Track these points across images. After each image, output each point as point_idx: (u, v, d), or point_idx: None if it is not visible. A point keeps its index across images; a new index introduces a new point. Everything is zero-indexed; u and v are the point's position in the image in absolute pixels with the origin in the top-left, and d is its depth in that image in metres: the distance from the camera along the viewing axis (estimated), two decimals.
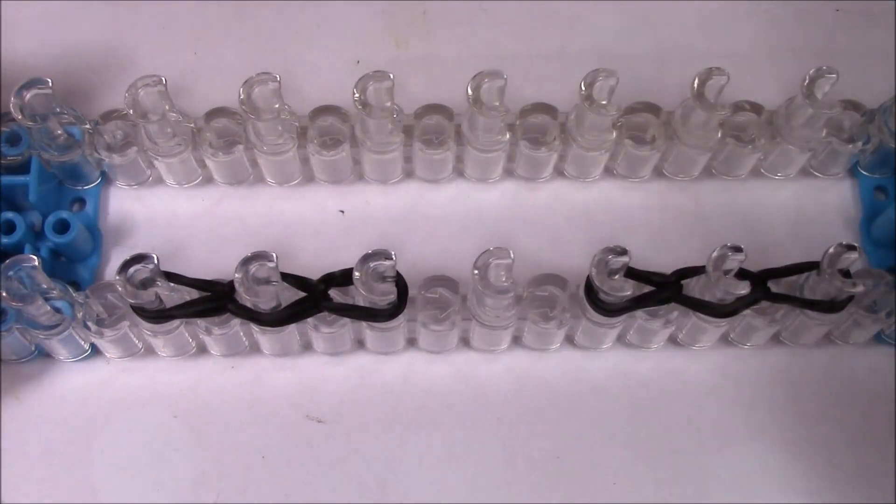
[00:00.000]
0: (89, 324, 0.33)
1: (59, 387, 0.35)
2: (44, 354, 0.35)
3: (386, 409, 0.35)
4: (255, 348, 0.35)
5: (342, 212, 0.37)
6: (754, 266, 0.32)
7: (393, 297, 0.31)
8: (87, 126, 0.35)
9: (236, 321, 0.33)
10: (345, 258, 0.36)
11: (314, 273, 0.33)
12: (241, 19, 0.41)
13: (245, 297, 0.31)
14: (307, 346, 0.36)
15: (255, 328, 0.33)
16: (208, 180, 0.38)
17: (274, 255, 0.31)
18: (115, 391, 0.35)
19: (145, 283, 0.31)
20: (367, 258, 0.31)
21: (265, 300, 0.31)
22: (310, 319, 0.33)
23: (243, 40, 0.41)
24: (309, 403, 0.35)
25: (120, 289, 0.31)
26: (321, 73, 0.40)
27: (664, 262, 0.34)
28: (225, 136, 0.36)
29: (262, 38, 0.41)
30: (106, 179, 0.38)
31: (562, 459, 0.34)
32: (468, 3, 0.41)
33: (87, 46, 0.41)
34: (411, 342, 0.36)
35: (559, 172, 0.38)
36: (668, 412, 0.35)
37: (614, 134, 0.35)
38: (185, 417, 0.35)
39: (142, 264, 0.31)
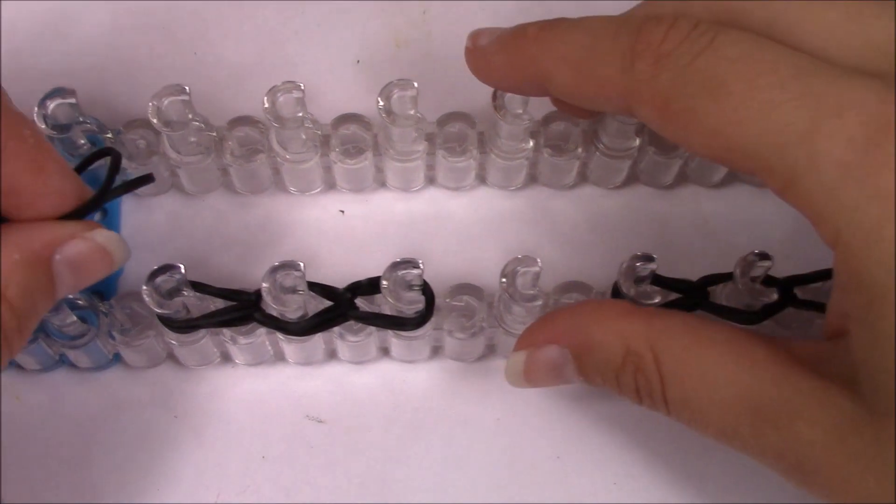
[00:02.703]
0: (114, 333, 0.33)
1: (59, 387, 0.35)
2: (67, 364, 0.35)
3: (386, 409, 0.35)
4: (279, 357, 0.35)
5: (342, 211, 0.37)
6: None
7: (420, 305, 0.31)
8: (109, 135, 0.35)
9: (262, 330, 0.33)
10: (367, 266, 0.36)
11: (336, 281, 0.33)
12: (241, 19, 0.41)
13: (272, 307, 0.31)
14: (331, 355, 0.36)
15: (280, 337, 0.33)
16: (229, 188, 0.38)
17: (301, 263, 0.31)
18: (115, 391, 0.35)
19: (172, 293, 0.31)
20: (395, 266, 0.31)
21: (292, 309, 0.31)
22: (336, 328, 0.33)
23: (243, 40, 0.40)
24: (309, 403, 0.35)
25: (147, 299, 0.31)
26: (321, 73, 0.40)
27: (685, 270, 0.33)
28: (246, 144, 0.36)
29: (262, 38, 0.41)
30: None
31: (562, 459, 0.34)
32: (468, 3, 0.41)
33: (87, 46, 0.40)
34: (435, 351, 0.36)
35: (583, 179, 0.38)
36: None
37: (637, 141, 0.35)
38: (185, 417, 0.35)
39: (168, 274, 0.31)
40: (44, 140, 0.25)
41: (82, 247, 0.26)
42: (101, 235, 0.26)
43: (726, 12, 0.28)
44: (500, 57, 0.30)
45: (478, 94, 0.38)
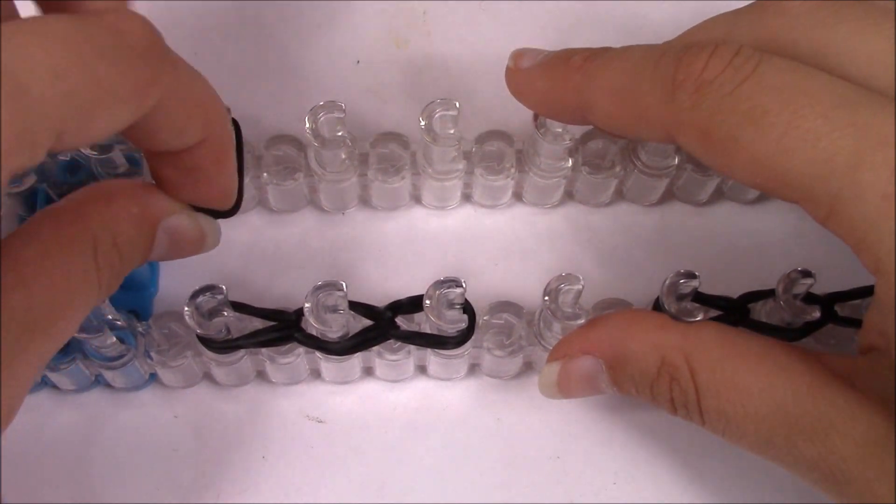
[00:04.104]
0: (152, 353, 0.33)
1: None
2: (103, 384, 0.35)
3: (386, 409, 0.35)
4: (315, 375, 0.35)
5: (343, 213, 0.37)
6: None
7: (462, 324, 0.31)
8: None
9: (300, 349, 0.33)
10: (402, 283, 0.36)
11: (372, 298, 0.33)
12: (241, 19, 0.41)
13: (314, 326, 0.31)
14: (367, 373, 0.35)
15: (319, 356, 0.33)
16: (264, 206, 0.38)
17: (343, 283, 0.31)
18: (115, 391, 0.35)
19: (212, 313, 0.31)
20: (438, 285, 0.31)
21: (334, 329, 0.31)
22: (374, 347, 0.33)
23: (243, 40, 0.41)
24: (309, 404, 0.35)
25: (189, 319, 0.31)
26: (321, 73, 0.40)
27: (720, 286, 0.33)
28: (283, 163, 0.36)
29: (262, 38, 0.41)
30: None
31: (562, 459, 0.34)
32: (468, 3, 0.41)
33: None
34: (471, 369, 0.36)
35: (619, 196, 0.38)
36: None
37: (676, 159, 0.35)
38: (185, 417, 0.35)
39: (209, 294, 0.31)
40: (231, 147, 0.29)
41: (185, 222, 0.29)
42: (203, 219, 0.29)
43: (773, 40, 0.28)
44: (542, 82, 0.30)
45: (479, 94, 0.39)
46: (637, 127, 0.29)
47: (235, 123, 0.32)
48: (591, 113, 0.29)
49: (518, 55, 0.31)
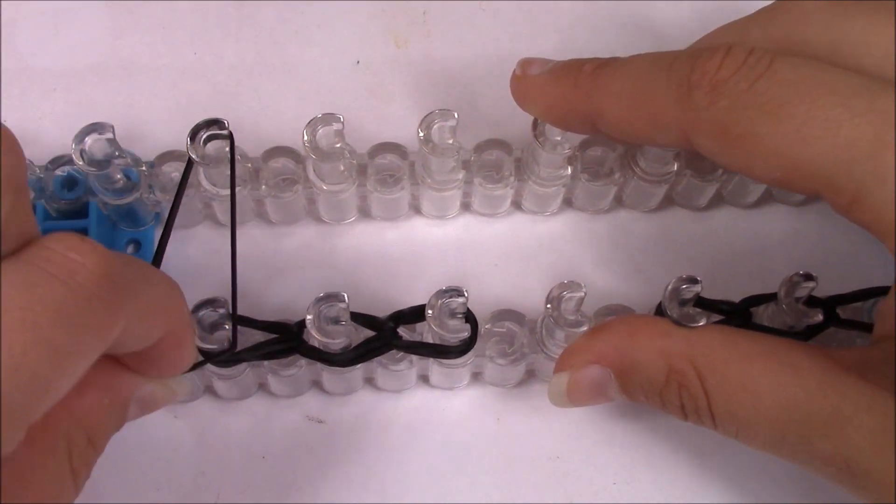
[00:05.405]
0: None
1: None
2: None
3: (385, 410, 0.35)
4: (317, 388, 0.35)
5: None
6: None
7: (464, 333, 0.31)
8: (144, 168, 0.35)
9: (302, 361, 0.33)
10: (404, 294, 0.36)
11: (373, 309, 0.33)
12: (241, 19, 0.41)
13: (316, 338, 0.31)
14: (368, 384, 0.35)
15: (322, 368, 0.33)
16: (263, 218, 0.38)
17: (345, 295, 0.31)
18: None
19: (214, 327, 0.31)
20: (440, 295, 0.31)
21: (337, 341, 0.31)
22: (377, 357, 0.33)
23: (243, 40, 0.41)
24: (309, 404, 0.35)
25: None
26: (321, 74, 0.40)
27: (721, 291, 0.33)
28: (281, 175, 0.36)
29: (262, 38, 0.41)
30: (160, 221, 0.37)
31: (562, 459, 0.34)
32: (468, 3, 0.42)
33: (87, 46, 0.40)
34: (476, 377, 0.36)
35: (618, 202, 0.38)
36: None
37: (675, 166, 0.35)
38: (185, 417, 0.35)
39: (211, 308, 0.31)
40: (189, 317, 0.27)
41: (156, 389, 0.28)
42: (174, 379, 0.28)
43: (787, 40, 0.28)
44: (551, 88, 0.31)
45: (479, 94, 0.39)
46: (649, 131, 0.29)
47: (230, 136, 0.32)
48: (600, 119, 0.29)
49: (526, 63, 0.31)
